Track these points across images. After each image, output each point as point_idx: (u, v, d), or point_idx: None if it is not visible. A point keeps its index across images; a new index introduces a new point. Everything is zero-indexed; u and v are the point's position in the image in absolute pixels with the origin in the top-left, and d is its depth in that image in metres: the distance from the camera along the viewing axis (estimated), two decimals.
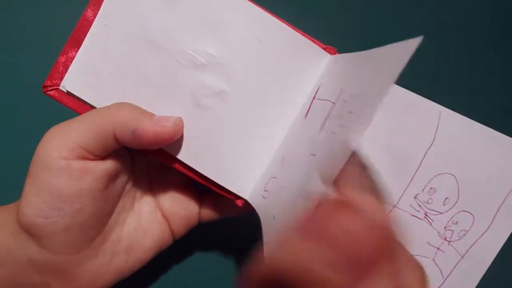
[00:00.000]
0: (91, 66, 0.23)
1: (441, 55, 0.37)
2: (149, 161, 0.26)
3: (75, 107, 0.24)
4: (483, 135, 0.21)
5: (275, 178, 0.24)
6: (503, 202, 0.21)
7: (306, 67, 0.25)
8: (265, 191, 0.24)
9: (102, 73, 0.23)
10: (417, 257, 0.22)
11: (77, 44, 0.23)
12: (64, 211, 0.21)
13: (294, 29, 0.25)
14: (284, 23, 0.24)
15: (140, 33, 0.23)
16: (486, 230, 0.21)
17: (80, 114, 0.23)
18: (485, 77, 0.38)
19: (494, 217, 0.21)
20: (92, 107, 0.23)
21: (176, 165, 0.24)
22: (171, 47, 0.23)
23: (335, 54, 0.26)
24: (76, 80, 0.23)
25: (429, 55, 0.37)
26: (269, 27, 0.24)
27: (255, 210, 0.24)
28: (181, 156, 0.24)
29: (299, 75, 0.25)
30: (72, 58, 0.24)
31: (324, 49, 0.25)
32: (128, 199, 0.25)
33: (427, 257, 0.22)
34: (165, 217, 0.26)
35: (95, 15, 0.23)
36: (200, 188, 0.26)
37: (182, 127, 0.23)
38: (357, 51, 0.23)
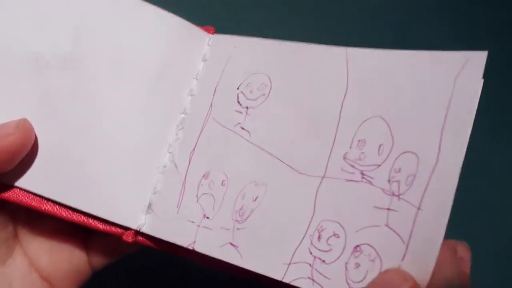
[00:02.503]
0: None
1: None
2: (12, 210, 0.21)
3: None
4: (398, 60, 0.17)
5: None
6: (444, 123, 0.16)
7: (188, 51, 0.21)
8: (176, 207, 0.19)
9: None
10: (366, 230, 0.16)
11: None
12: None
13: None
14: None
15: None
16: (436, 163, 0.16)
17: None
18: None
19: (440, 143, 0.16)
20: None
21: (38, 205, 0.19)
22: (10, 46, 0.19)
23: (214, 34, 0.22)
24: None
25: None
26: (135, 10, 0.21)
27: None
28: (36, 188, 0.19)
29: (180, 61, 0.21)
30: None
31: (206, 30, 0.22)
32: None
33: (379, 225, 0.16)
34: (45, 278, 0.21)
35: None
36: (82, 228, 0.21)
37: (31, 129, 0.18)
38: None
